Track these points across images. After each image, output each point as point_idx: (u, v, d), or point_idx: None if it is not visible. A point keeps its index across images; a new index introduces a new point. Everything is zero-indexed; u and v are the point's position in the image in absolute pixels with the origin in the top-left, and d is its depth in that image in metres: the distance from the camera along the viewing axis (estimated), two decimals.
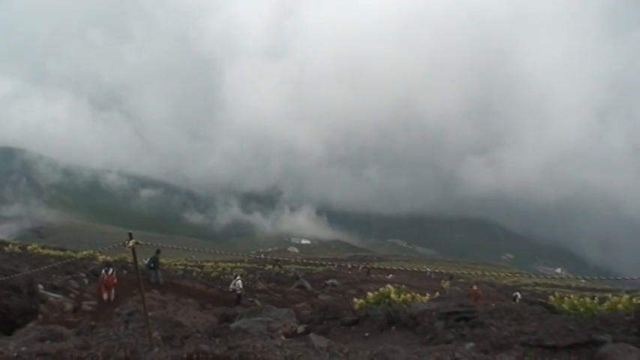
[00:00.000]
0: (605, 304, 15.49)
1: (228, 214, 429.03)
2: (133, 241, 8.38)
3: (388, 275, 71.35)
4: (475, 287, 46.67)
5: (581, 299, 16.03)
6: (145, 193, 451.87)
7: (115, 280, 26.81)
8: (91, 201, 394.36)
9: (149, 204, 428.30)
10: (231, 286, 31.07)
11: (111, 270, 26.69)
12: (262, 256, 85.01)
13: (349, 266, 78.15)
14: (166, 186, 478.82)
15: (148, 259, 34.18)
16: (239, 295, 30.15)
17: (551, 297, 17.37)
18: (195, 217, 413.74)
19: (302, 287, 46.69)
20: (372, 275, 72.86)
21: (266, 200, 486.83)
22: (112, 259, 38.13)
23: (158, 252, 34.66)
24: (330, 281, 55.00)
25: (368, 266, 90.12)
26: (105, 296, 26.25)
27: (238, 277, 32.01)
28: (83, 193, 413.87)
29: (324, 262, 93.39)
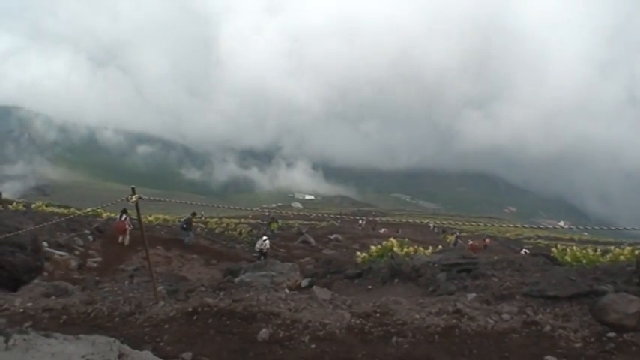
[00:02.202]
0: (608, 256, 15.57)
1: (226, 170, 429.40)
2: (136, 196, 8.40)
3: (398, 231, 71.65)
4: (471, 242, 46.90)
5: (584, 251, 16.09)
6: (142, 149, 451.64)
7: (128, 227, 27.91)
8: (88, 158, 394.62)
9: (146, 160, 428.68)
10: (258, 245, 31.28)
11: (124, 216, 27.92)
12: (267, 212, 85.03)
13: (361, 221, 78.20)
14: (163, 142, 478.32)
15: (182, 221, 35.60)
16: (265, 254, 30.35)
17: (554, 249, 17.44)
18: (192, 174, 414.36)
19: (306, 242, 46.90)
20: (383, 230, 73.16)
21: (263, 156, 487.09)
22: (117, 216, 38.31)
23: (194, 214, 36.07)
24: (333, 236, 55.25)
25: (374, 219, 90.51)
26: (120, 239, 27.72)
27: (265, 238, 32.18)
28: (81, 151, 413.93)
29: (327, 217, 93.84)
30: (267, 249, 31.21)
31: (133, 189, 8.59)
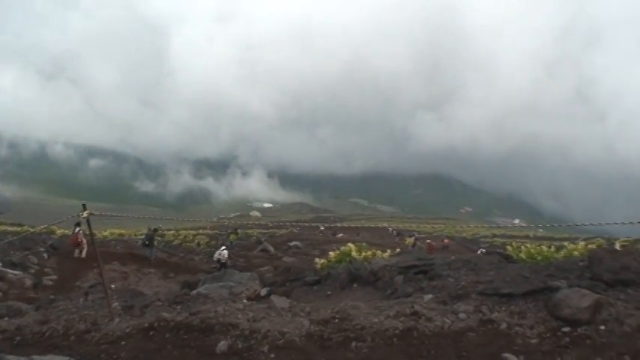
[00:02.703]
0: (562, 252, 15.88)
1: (180, 181, 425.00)
2: (87, 212, 8.29)
3: (358, 234, 72.05)
4: (429, 240, 47.54)
5: (538, 248, 16.38)
6: (94, 162, 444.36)
7: (80, 240, 27.57)
8: (39, 174, 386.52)
9: (98, 174, 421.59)
10: (216, 256, 31.26)
11: (77, 229, 27.62)
12: (226, 222, 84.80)
13: (322, 227, 78.52)
14: (115, 155, 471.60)
15: (144, 236, 35.13)
16: (224, 265, 30.24)
17: (509, 247, 17.73)
18: (146, 186, 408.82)
19: (265, 251, 46.84)
20: (340, 235, 73.44)
21: (218, 166, 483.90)
22: (70, 232, 37.67)
23: (155, 230, 36.40)
24: (293, 243, 55.24)
25: (332, 226, 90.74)
26: (76, 253, 27.42)
27: (223, 248, 32.51)
28: (31, 166, 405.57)
29: (287, 225, 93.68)
30: (226, 259, 31.14)
31: (83, 205, 8.48)
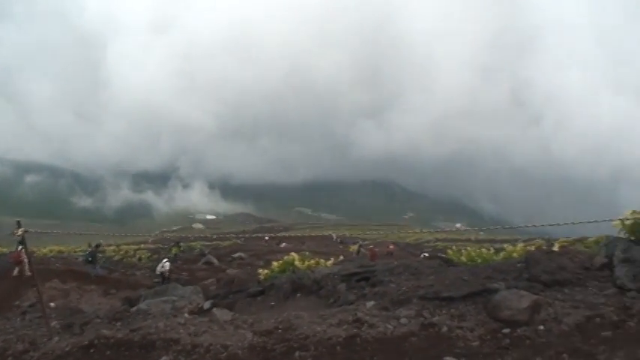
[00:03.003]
0: (501, 254, 16.18)
1: (119, 195, 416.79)
2: (21, 229, 8.09)
3: (303, 243, 72.08)
4: (371, 246, 47.92)
5: (478, 250, 16.66)
6: (30, 178, 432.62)
7: (22, 258, 26.75)
8: None
9: (34, 190, 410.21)
10: (159, 269, 30.89)
11: (20, 246, 26.85)
12: (168, 236, 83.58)
13: (266, 238, 78.34)
14: (51, 170, 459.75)
15: (87, 253, 34.85)
16: (167, 277, 29.88)
17: (449, 251, 17.99)
18: (84, 201, 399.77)
19: (209, 263, 46.35)
20: (283, 244, 73.40)
21: (158, 179, 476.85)
22: (7, 251, 36.61)
23: (97, 246, 35.73)
24: (237, 255, 54.89)
25: (274, 237, 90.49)
26: (15, 271, 26.59)
27: (165, 260, 32.21)
28: None
29: (230, 236, 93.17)
30: (168, 271, 30.81)
31: (18, 222, 8.27)
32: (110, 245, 74.87)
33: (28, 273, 25.78)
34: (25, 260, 26.19)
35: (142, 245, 78.77)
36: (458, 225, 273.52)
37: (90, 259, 32.58)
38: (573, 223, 9.37)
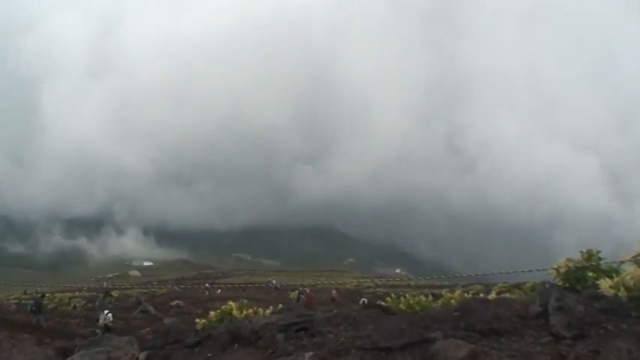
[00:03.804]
0: (440, 302, 16.28)
1: (52, 241, 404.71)
2: None
3: (244, 291, 71.44)
4: (308, 290, 47.77)
5: (417, 298, 16.73)
6: None
7: None
8: None
9: None
10: (102, 320, 30.24)
11: None
12: (105, 283, 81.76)
13: (206, 285, 77.30)
14: None
15: (32, 302, 34.56)
16: (109, 328, 29.26)
17: (388, 298, 17.98)
18: (15, 247, 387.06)
19: (146, 312, 45.32)
20: (219, 290, 72.47)
21: (91, 225, 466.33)
22: None
23: (43, 296, 36.69)
24: (175, 302, 53.83)
25: (214, 285, 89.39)
26: None
27: (107, 311, 31.80)
28: None
29: (168, 285, 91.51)
30: (111, 321, 30.40)
31: None
32: (45, 293, 72.52)
33: None
34: None
35: (77, 293, 76.75)
36: (397, 271, 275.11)
37: (35, 308, 32.28)
38: (509, 272, 9.52)
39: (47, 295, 45.43)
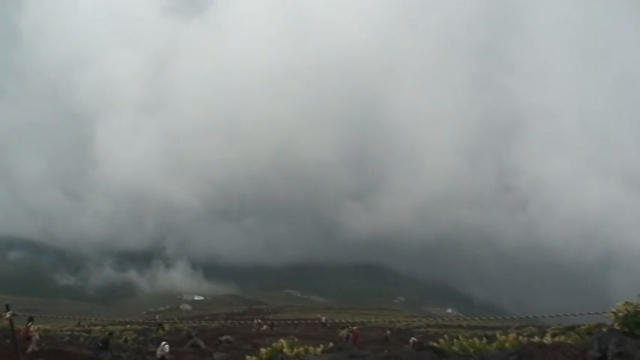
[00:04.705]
0: (494, 345, 15.96)
1: (103, 274, 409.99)
2: (10, 312, 8.00)
3: (296, 327, 71.24)
4: (354, 328, 47.30)
5: (470, 340, 16.43)
6: (13, 254, 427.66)
7: (31, 334, 27.68)
8: None
9: (17, 266, 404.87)
10: (159, 352, 30.67)
11: (30, 323, 27.79)
12: (157, 317, 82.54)
13: (258, 321, 77.29)
14: (35, 246, 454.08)
15: (100, 339, 35.90)
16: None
17: (441, 340, 17.71)
18: (66, 279, 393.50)
19: (196, 346, 45.50)
20: (264, 327, 72.33)
21: (141, 258, 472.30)
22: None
23: (111, 334, 38.37)
24: (224, 337, 53.90)
25: (270, 322, 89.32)
26: (30, 348, 27.50)
27: (164, 343, 31.93)
28: None
29: (219, 319, 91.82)
30: (168, 353, 30.75)
31: (7, 305, 8.16)
32: (96, 325, 73.70)
33: (36, 349, 25.80)
34: (35, 337, 26.21)
35: (128, 326, 77.56)
36: (449, 310, 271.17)
37: (101, 344, 33.17)
38: (565, 315, 9.31)
39: (110, 329, 46.02)
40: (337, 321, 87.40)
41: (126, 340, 52.38)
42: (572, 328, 20.94)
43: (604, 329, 10.88)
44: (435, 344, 17.09)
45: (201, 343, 46.80)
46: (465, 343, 15.86)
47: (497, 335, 18.92)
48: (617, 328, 11.21)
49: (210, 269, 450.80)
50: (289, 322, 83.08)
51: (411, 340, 40.95)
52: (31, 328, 27.81)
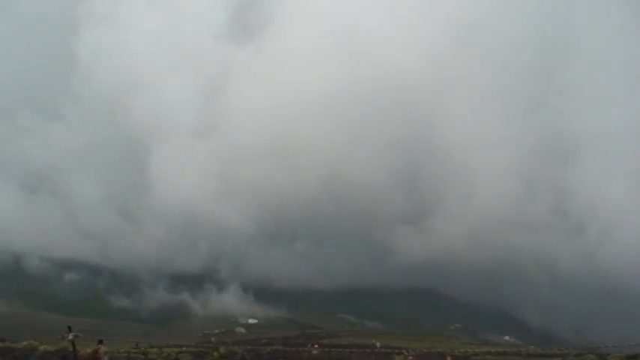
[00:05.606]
0: None
1: (156, 296, 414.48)
2: (72, 334, 8.55)
3: (351, 352, 71.35)
4: (411, 358, 47.29)
5: None
6: (69, 276, 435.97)
7: (100, 356, 28.74)
8: (14, 286, 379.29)
9: (73, 288, 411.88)
10: None
11: (99, 345, 28.82)
12: (213, 339, 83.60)
13: (316, 346, 77.82)
14: (90, 268, 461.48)
15: None
16: None
17: None
18: (121, 301, 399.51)
19: None
20: (315, 352, 72.49)
21: (194, 281, 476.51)
22: (52, 349, 37.32)
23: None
24: None
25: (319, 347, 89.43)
26: None
27: None
28: (6, 278, 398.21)
29: (274, 343, 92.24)
30: None
31: (69, 327, 8.74)
32: (152, 347, 75.02)
33: None
34: (104, 358, 27.51)
35: (184, 348, 78.72)
36: (506, 338, 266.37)
37: None
38: (629, 345, 9.42)
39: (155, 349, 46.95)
40: (392, 347, 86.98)
41: None
42: (635, 357, 20.78)
43: None
44: None
45: None
46: None
47: None
48: None
49: (261, 292, 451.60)
50: (344, 349, 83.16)
51: None
52: (101, 350, 28.79)
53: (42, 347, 41.25)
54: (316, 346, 78.17)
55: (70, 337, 7.32)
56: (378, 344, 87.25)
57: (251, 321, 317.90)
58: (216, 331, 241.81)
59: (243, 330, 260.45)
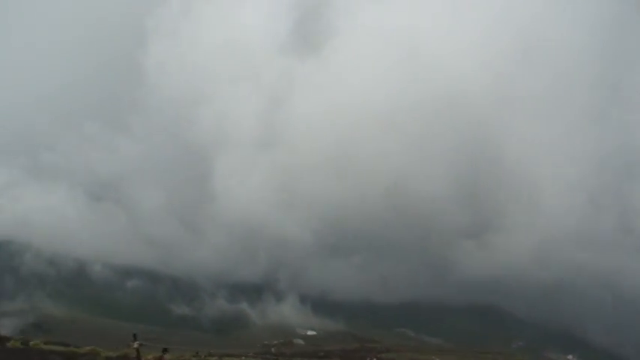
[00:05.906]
0: None
1: (216, 305, 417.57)
2: (137, 342, 8.09)
3: None
4: None
5: None
6: (131, 283, 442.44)
7: None
8: (78, 292, 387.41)
9: (135, 294, 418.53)
10: None
11: (164, 354, 29.13)
12: (273, 350, 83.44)
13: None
14: (151, 276, 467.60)
15: None
16: None
17: None
18: (181, 309, 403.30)
19: None
20: None
21: (253, 291, 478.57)
22: (114, 354, 37.45)
23: None
24: None
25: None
26: None
27: None
28: (71, 284, 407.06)
29: (331, 354, 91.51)
30: None
31: (134, 335, 8.23)
32: (212, 356, 75.14)
33: None
34: None
35: (243, 358, 78.71)
36: (569, 357, 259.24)
37: None
38: None
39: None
40: None
41: None
42: None
43: None
44: None
45: None
46: None
47: None
48: None
49: (318, 304, 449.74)
50: None
51: None
52: (164, 359, 28.91)
53: (104, 353, 41.38)
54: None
55: (136, 345, 7.02)
56: None
57: (309, 333, 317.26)
58: (276, 341, 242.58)
59: (301, 341, 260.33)
